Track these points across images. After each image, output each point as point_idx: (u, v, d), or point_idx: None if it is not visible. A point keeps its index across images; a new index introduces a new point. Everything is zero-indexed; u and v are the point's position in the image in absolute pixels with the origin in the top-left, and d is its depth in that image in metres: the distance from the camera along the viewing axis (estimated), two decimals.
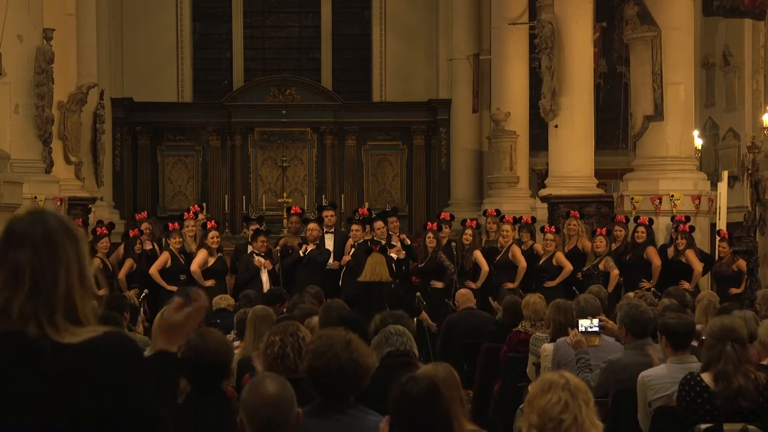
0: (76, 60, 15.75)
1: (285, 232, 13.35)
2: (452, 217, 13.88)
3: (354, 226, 12.36)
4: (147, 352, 2.61)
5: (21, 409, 2.14)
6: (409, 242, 12.73)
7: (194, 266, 11.59)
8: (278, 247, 12.21)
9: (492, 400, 8.10)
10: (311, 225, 12.28)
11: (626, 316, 6.00)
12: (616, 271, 11.54)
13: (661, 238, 12.18)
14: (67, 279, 2.20)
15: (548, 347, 6.91)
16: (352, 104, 21.35)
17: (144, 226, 12.49)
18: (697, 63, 15.71)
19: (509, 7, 17.48)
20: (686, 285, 10.96)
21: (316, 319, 6.13)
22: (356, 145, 21.35)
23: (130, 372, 2.21)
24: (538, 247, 12.38)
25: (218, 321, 8.65)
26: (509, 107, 17.53)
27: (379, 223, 12.25)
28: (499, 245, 12.43)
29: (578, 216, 12.53)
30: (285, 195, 20.02)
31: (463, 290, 10.03)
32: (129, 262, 11.83)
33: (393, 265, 11.44)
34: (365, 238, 12.14)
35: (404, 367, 4.61)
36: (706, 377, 4.98)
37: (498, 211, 13.11)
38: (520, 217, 12.89)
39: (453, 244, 12.65)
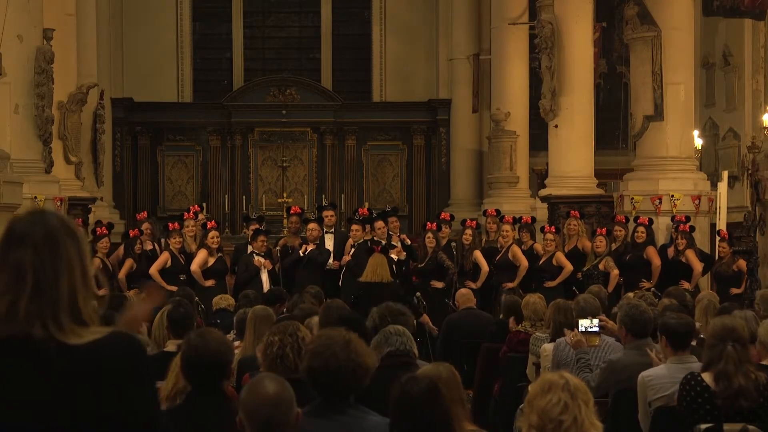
0: (76, 60, 15.75)
1: (285, 232, 13.35)
2: (452, 217, 13.87)
3: (354, 226, 12.36)
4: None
5: (28, 411, 2.14)
6: (409, 242, 12.74)
7: (194, 266, 11.59)
8: (278, 247, 12.21)
9: (492, 400, 8.09)
10: (311, 225, 12.29)
11: (626, 316, 6.00)
12: (616, 271, 11.54)
13: (661, 238, 12.18)
14: (70, 279, 2.20)
15: (548, 347, 6.90)
16: (352, 104, 21.35)
17: (144, 226, 12.49)
18: (697, 63, 15.71)
19: (509, 7, 17.48)
20: (686, 285, 10.96)
21: (316, 319, 6.13)
22: (356, 145, 21.36)
23: (134, 372, 2.21)
24: (538, 247, 12.38)
25: (218, 321, 8.65)
26: (509, 107, 17.54)
27: (379, 223, 12.25)
28: (499, 245, 12.43)
29: (578, 216, 12.53)
30: (285, 195, 20.02)
31: (463, 290, 10.02)
32: (129, 262, 11.83)
33: (393, 266, 11.43)
34: (365, 238, 12.15)
35: (404, 367, 4.61)
36: (707, 377, 4.98)
37: (498, 211, 13.11)
38: (520, 217, 12.89)
39: (453, 244, 12.65)
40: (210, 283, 11.53)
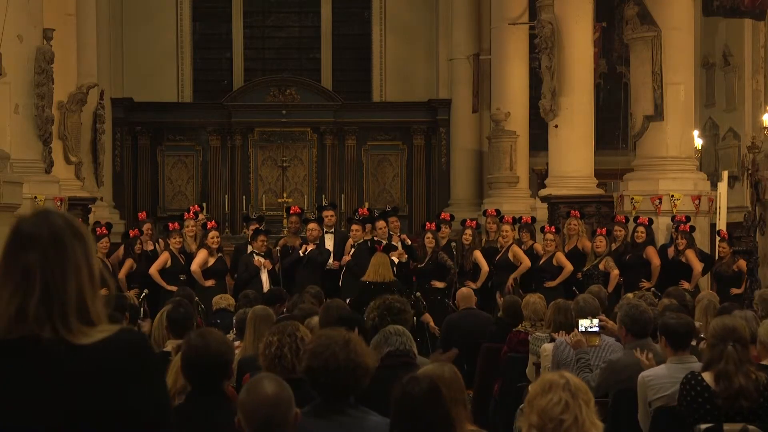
0: (76, 60, 15.74)
1: (285, 232, 13.34)
2: (452, 217, 13.86)
3: (354, 226, 12.36)
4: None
5: (40, 412, 2.14)
6: (409, 242, 12.73)
7: (194, 266, 11.59)
8: (278, 247, 12.21)
9: (492, 400, 8.09)
10: (311, 225, 12.28)
11: (626, 316, 6.00)
12: (616, 271, 11.54)
13: (661, 238, 12.18)
14: (77, 279, 2.19)
15: (548, 347, 6.90)
16: (352, 104, 21.35)
17: (145, 226, 12.49)
18: (697, 63, 15.71)
19: (509, 7, 17.48)
20: (686, 285, 10.96)
21: (316, 319, 6.13)
22: (356, 145, 21.35)
23: (144, 370, 2.21)
24: (538, 247, 12.38)
25: (218, 321, 8.65)
26: (509, 107, 17.53)
27: (381, 223, 12.25)
28: (498, 245, 12.43)
29: (578, 216, 12.53)
30: (285, 195, 20.02)
31: (463, 290, 10.01)
32: (129, 262, 11.83)
33: (394, 267, 11.42)
34: (365, 238, 12.15)
35: (404, 367, 4.60)
36: (707, 377, 4.98)
37: (498, 211, 13.11)
38: (520, 217, 12.89)
39: (453, 244, 12.64)
40: (210, 283, 11.52)
